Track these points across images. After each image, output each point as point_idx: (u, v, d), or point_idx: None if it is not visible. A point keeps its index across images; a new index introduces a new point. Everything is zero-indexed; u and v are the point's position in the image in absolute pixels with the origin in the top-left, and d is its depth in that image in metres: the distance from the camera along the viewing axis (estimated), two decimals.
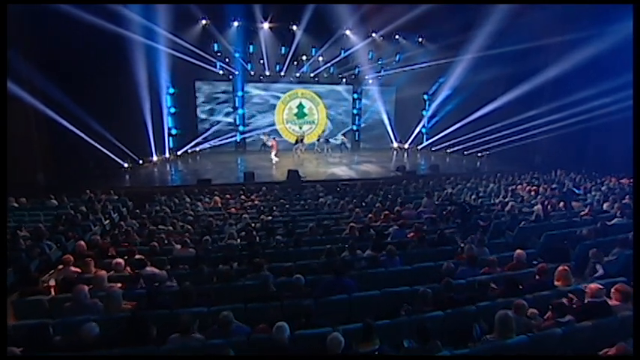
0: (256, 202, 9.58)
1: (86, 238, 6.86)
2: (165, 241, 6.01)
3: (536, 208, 8.29)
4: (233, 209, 8.79)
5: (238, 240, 5.86)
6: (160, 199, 9.62)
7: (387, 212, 7.78)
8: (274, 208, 9.03)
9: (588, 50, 11.70)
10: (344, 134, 19.54)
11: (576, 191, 9.58)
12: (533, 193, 10.13)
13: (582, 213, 7.65)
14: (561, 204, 8.28)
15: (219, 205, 9.34)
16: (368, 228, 6.50)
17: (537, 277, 4.01)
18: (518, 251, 4.60)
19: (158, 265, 4.89)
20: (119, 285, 4.32)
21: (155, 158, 15.72)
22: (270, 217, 7.65)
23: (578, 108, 12.69)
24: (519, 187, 11.04)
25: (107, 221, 8.61)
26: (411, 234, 6.30)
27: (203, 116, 18.33)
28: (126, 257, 5.25)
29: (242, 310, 3.59)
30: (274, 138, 17.20)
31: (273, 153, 15.95)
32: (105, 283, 4.02)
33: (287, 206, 8.82)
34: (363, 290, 3.94)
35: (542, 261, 4.97)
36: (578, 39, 11.86)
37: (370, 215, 7.54)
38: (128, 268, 4.88)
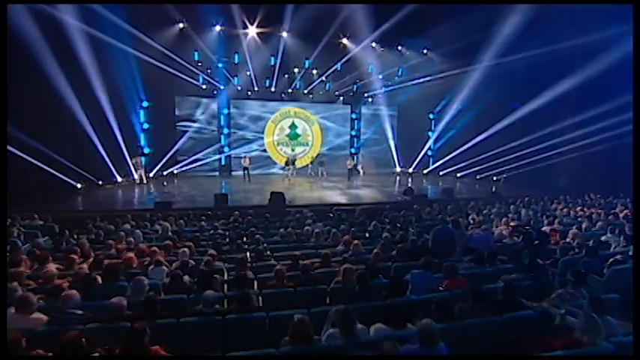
0: (219, 231, 7.06)
1: None
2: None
3: (608, 236, 5.96)
4: (176, 241, 6.19)
5: (148, 292, 3.28)
6: (88, 227, 7.09)
7: (400, 245, 5.26)
8: (245, 239, 6.55)
9: (619, 53, 9.77)
10: (353, 158, 17.43)
11: None
12: (589, 215, 7.78)
13: None
14: None
15: (170, 233, 6.84)
16: (375, 272, 3.96)
17: None
18: None
19: None
20: None
21: (120, 179, 13.37)
22: (213, 252, 4.96)
23: (609, 121, 10.56)
24: (558, 209, 8.76)
25: (8, 254, 6.15)
26: (447, 282, 3.77)
27: (182, 134, 16.17)
28: None
29: None
30: (135, 155, 14.09)
31: (137, 172, 13.52)
32: None
33: (257, 236, 6.27)
34: None
35: None
36: (607, 40, 9.96)
37: (376, 250, 4.98)
38: None
